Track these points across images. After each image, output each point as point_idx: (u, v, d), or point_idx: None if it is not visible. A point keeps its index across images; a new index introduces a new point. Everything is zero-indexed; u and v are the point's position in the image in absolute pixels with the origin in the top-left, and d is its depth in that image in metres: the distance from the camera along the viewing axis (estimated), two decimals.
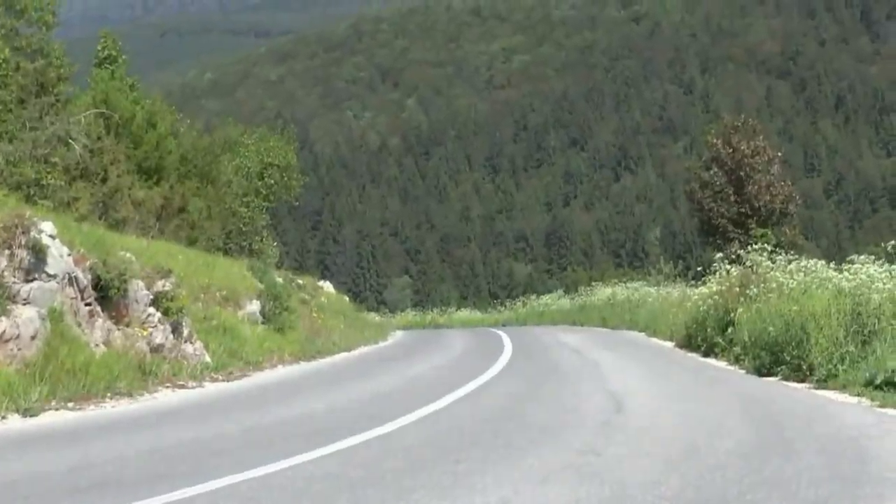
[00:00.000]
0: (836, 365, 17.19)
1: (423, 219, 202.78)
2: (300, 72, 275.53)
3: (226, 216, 39.39)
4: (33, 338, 16.08)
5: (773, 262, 24.12)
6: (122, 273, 19.29)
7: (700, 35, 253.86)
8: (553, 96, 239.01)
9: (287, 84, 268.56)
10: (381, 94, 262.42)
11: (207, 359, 21.66)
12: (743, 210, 43.65)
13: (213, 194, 38.22)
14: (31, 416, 14.51)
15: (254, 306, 27.85)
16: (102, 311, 18.85)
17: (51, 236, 17.58)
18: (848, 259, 20.17)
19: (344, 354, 30.47)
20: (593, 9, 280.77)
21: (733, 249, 30.74)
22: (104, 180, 30.05)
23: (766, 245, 25.94)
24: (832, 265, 22.01)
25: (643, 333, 37.41)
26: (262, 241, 43.15)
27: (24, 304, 16.34)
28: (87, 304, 18.37)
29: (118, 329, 19.11)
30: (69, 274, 17.82)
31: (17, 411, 14.53)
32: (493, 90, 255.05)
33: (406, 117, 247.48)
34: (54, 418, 14.58)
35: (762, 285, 22.99)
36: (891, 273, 18.70)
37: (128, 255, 20.66)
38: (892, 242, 19.06)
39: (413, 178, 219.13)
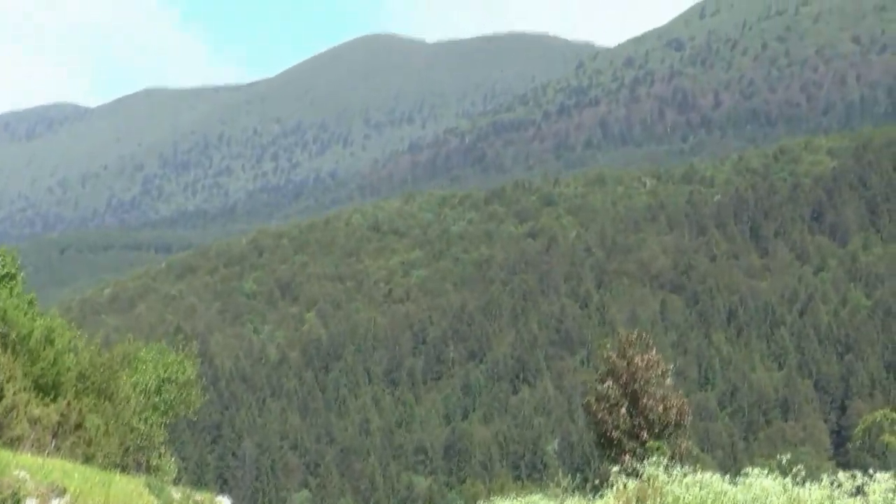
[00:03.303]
0: None
1: (322, 432, 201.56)
2: (200, 287, 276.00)
3: (123, 432, 38.98)
4: None
5: (670, 475, 24.34)
6: (16, 492, 19.06)
7: (595, 250, 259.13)
8: (451, 310, 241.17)
9: (187, 298, 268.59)
10: (281, 308, 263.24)
11: None
12: (637, 422, 44.01)
13: (110, 410, 37.89)
14: None
15: None
16: None
17: None
18: (743, 471, 20.48)
19: None
20: (490, 224, 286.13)
21: (628, 462, 30.98)
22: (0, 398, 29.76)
23: (661, 457, 26.20)
24: (727, 477, 22.30)
25: None
26: (160, 457, 42.66)
27: None
28: None
29: None
30: None
31: None
32: (392, 304, 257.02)
33: (306, 331, 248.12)
34: None
35: (659, 499, 23.17)
36: (784, 486, 19.01)
37: (22, 473, 20.43)
38: (787, 455, 19.41)
39: (313, 392, 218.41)
